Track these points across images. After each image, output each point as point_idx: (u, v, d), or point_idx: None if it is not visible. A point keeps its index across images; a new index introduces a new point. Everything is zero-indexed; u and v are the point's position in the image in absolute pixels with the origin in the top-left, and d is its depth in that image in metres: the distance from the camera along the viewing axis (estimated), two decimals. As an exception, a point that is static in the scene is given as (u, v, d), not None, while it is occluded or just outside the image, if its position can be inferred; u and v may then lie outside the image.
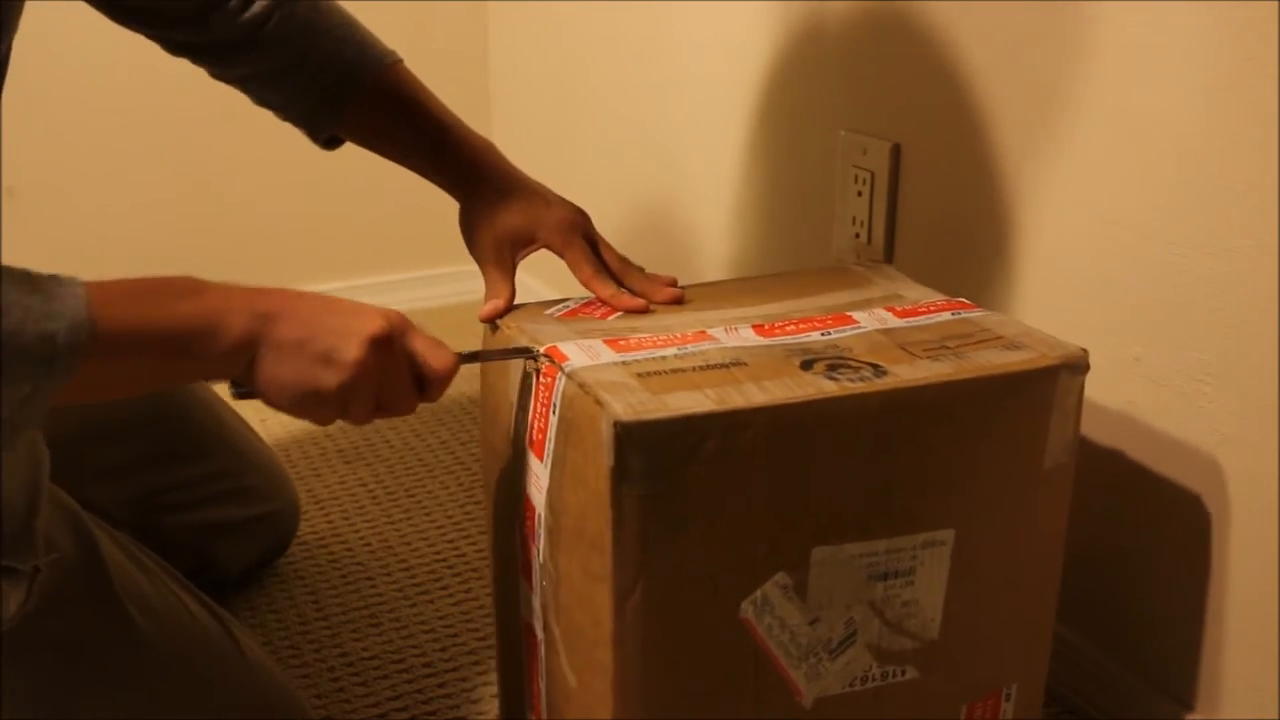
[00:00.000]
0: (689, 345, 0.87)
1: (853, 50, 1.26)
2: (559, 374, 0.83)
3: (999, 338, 0.89)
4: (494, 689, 1.18)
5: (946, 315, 0.94)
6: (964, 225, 1.16)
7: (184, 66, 1.90)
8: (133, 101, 1.89)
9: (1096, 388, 1.01)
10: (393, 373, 0.82)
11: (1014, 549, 0.89)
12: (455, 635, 1.27)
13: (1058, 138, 1.05)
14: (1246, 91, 0.88)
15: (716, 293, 1.00)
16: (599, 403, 0.77)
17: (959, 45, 1.13)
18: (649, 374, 0.81)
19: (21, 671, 0.87)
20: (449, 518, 1.49)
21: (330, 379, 0.79)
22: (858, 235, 1.28)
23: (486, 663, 1.22)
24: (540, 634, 0.91)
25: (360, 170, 2.10)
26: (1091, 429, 1.05)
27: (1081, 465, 1.01)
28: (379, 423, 1.72)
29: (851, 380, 0.81)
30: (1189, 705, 1.02)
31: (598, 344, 0.86)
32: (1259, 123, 0.88)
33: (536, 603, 0.90)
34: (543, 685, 0.92)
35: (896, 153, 1.22)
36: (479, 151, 1.07)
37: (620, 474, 0.75)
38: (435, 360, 0.83)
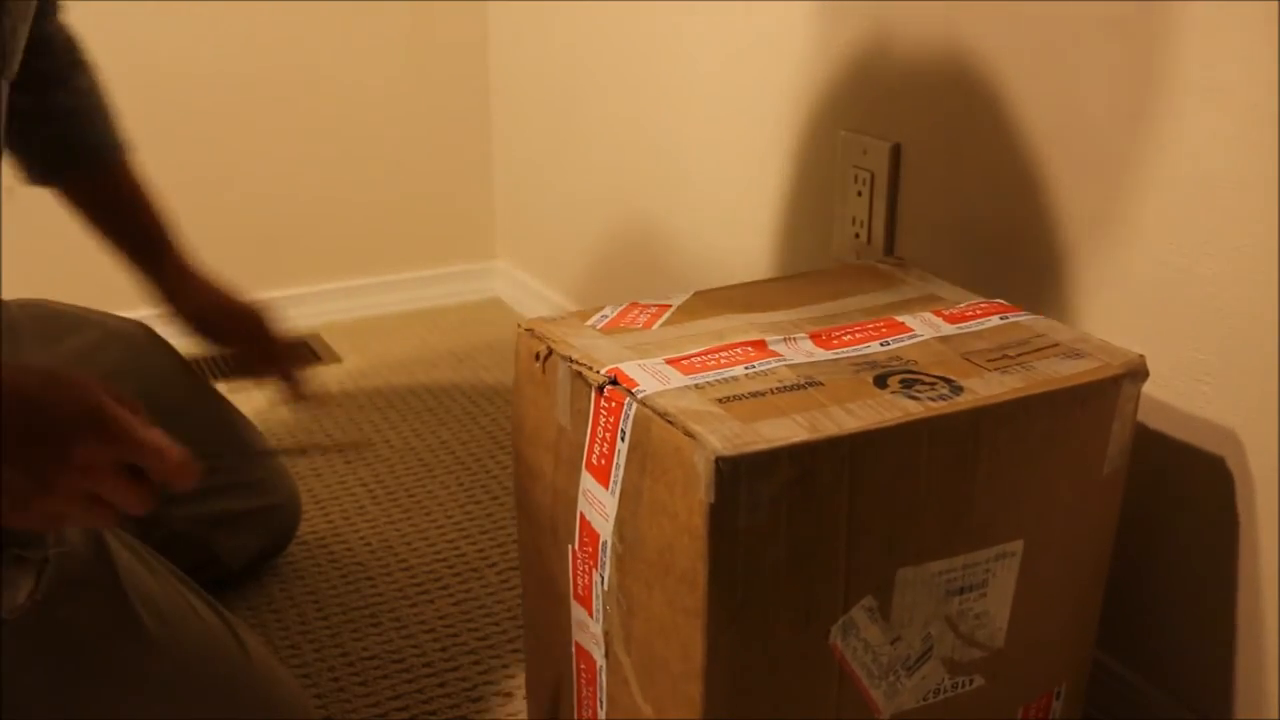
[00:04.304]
0: (756, 363, 0.78)
1: (853, 50, 1.18)
2: (626, 399, 0.73)
3: (1056, 344, 0.82)
4: (495, 688, 1.11)
5: (995, 320, 0.86)
6: (964, 225, 1.09)
7: (184, 66, 1.79)
8: (133, 101, 1.75)
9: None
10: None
11: (1073, 552, 0.83)
12: (455, 635, 1.19)
13: (1057, 137, 0.98)
14: (1246, 91, 0.82)
15: (750, 295, 0.91)
16: (690, 434, 0.67)
17: (959, 45, 1.05)
18: (729, 399, 0.72)
19: (28, 666, 0.81)
20: (449, 518, 1.40)
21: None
22: (858, 235, 1.20)
23: (487, 662, 1.15)
24: (601, 660, 0.81)
25: (360, 170, 2.02)
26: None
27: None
28: (379, 422, 1.65)
29: (931, 399, 0.73)
30: (1181, 699, 0.97)
31: (660, 364, 0.77)
32: (1259, 122, 0.82)
33: (597, 629, 0.81)
34: (603, 712, 0.83)
35: (896, 153, 1.15)
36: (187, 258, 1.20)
37: (719, 509, 0.66)
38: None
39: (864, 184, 1.18)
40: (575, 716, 0.88)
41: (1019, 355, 0.80)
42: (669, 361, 0.77)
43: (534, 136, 1.88)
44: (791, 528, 0.69)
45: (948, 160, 1.10)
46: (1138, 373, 0.80)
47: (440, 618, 1.21)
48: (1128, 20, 0.90)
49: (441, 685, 1.12)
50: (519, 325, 0.86)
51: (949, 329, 0.84)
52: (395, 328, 1.97)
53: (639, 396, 0.72)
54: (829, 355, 0.79)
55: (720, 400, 0.71)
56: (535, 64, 1.84)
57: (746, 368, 0.77)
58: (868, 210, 1.18)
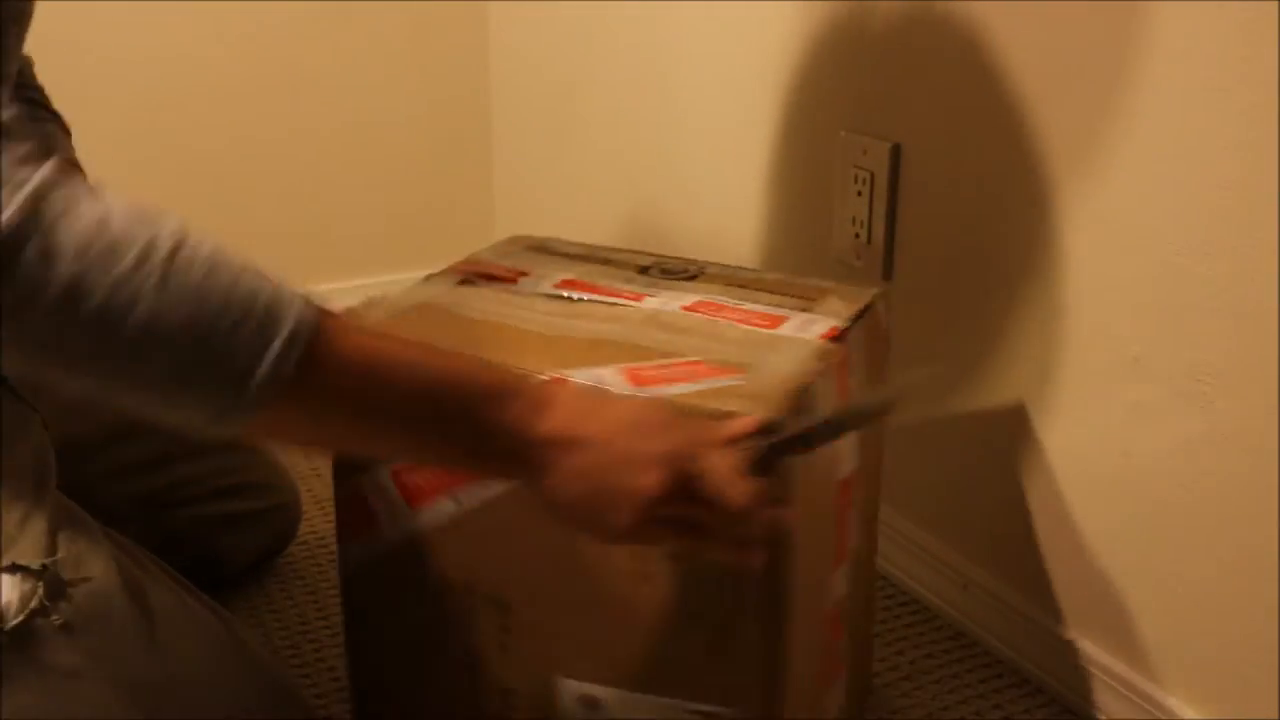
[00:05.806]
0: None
1: (853, 50, 1.17)
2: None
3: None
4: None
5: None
6: (964, 225, 1.08)
7: (184, 65, 1.77)
8: (133, 101, 1.75)
9: (1096, 388, 0.97)
10: (684, 517, 0.70)
11: None
12: (456, 632, 1.18)
13: (1058, 137, 0.97)
14: (1246, 91, 0.82)
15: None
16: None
17: (959, 45, 1.05)
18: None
19: (26, 672, 0.80)
20: (449, 515, 1.39)
21: (615, 526, 0.69)
22: (857, 235, 1.19)
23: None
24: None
25: (360, 170, 2.00)
26: (1091, 430, 0.99)
27: (1083, 466, 0.99)
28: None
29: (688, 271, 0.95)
30: (1181, 699, 0.96)
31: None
32: (1259, 122, 0.81)
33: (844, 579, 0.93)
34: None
35: (896, 153, 1.14)
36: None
37: None
38: (731, 497, 0.68)
39: (864, 184, 1.17)
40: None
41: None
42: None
43: (534, 137, 1.87)
44: None
45: (948, 160, 1.09)
46: None
47: (440, 616, 1.21)
48: (1131, 20, 0.89)
49: (441, 683, 1.11)
50: None
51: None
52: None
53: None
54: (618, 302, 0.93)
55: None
56: (535, 64, 1.83)
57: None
58: (868, 210, 1.17)
